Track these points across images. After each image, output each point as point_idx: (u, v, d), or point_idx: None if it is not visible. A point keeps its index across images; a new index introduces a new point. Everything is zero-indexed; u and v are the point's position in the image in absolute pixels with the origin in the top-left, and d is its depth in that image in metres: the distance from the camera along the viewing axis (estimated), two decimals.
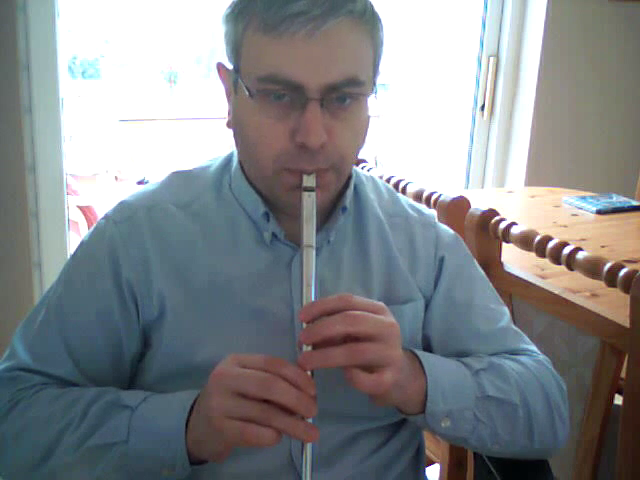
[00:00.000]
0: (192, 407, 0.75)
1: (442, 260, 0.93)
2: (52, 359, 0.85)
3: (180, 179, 0.91)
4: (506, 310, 0.96)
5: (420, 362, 0.80)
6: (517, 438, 0.86)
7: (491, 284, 0.98)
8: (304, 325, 0.72)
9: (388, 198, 0.96)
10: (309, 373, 0.71)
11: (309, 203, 0.78)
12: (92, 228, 0.89)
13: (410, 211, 0.96)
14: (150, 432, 0.76)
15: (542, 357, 0.93)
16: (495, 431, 0.83)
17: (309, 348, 0.71)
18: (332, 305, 0.72)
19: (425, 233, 0.94)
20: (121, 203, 0.89)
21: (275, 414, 0.69)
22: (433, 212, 0.99)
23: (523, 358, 0.90)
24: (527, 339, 0.95)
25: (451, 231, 0.98)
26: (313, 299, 0.75)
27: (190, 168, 0.93)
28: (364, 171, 0.99)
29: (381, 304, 0.76)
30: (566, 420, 0.90)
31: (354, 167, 0.93)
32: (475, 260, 0.99)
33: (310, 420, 0.70)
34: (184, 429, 0.74)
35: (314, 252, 0.76)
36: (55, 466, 0.79)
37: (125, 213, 0.87)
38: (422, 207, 0.99)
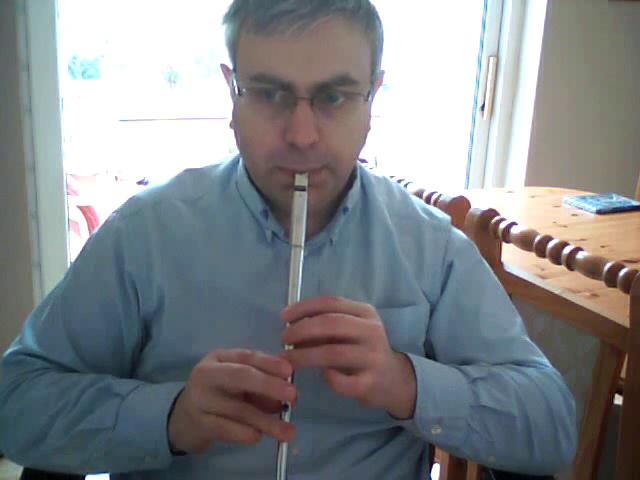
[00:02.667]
0: (176, 398, 0.76)
1: (451, 265, 0.91)
2: (56, 347, 0.87)
3: (190, 176, 0.92)
4: (518, 320, 0.93)
5: (412, 366, 0.79)
6: (515, 451, 0.83)
7: (505, 293, 0.96)
8: (287, 325, 0.72)
9: (400, 199, 0.95)
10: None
11: (300, 202, 0.78)
12: (103, 222, 0.91)
13: (422, 214, 0.94)
14: (135, 421, 0.77)
15: (550, 370, 0.90)
16: (490, 442, 0.81)
17: (291, 348, 0.71)
18: (315, 306, 0.72)
19: (435, 237, 0.92)
20: (131, 198, 0.91)
21: (251, 411, 0.68)
22: (448, 217, 0.97)
23: (528, 370, 0.88)
24: (538, 351, 0.92)
25: (464, 236, 0.96)
26: (298, 299, 0.74)
27: (201, 166, 0.94)
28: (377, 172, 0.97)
29: (367, 306, 0.75)
30: (572, 435, 0.86)
31: (364, 168, 0.92)
32: (488, 267, 0.96)
33: (287, 420, 0.70)
34: (166, 420, 0.76)
35: (302, 252, 0.76)
36: (47, 448, 0.81)
37: (133, 208, 0.89)
38: (436, 211, 0.97)
